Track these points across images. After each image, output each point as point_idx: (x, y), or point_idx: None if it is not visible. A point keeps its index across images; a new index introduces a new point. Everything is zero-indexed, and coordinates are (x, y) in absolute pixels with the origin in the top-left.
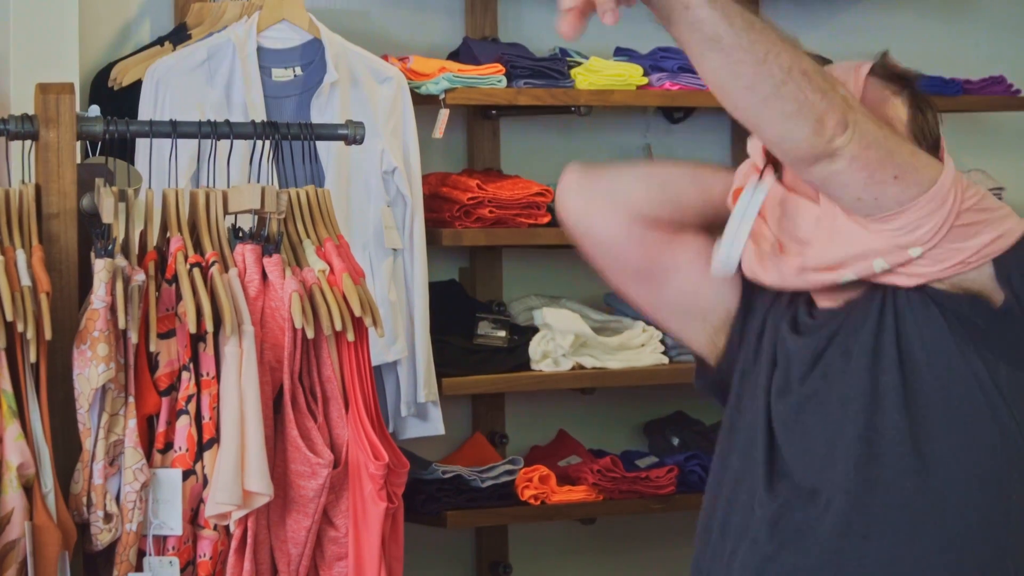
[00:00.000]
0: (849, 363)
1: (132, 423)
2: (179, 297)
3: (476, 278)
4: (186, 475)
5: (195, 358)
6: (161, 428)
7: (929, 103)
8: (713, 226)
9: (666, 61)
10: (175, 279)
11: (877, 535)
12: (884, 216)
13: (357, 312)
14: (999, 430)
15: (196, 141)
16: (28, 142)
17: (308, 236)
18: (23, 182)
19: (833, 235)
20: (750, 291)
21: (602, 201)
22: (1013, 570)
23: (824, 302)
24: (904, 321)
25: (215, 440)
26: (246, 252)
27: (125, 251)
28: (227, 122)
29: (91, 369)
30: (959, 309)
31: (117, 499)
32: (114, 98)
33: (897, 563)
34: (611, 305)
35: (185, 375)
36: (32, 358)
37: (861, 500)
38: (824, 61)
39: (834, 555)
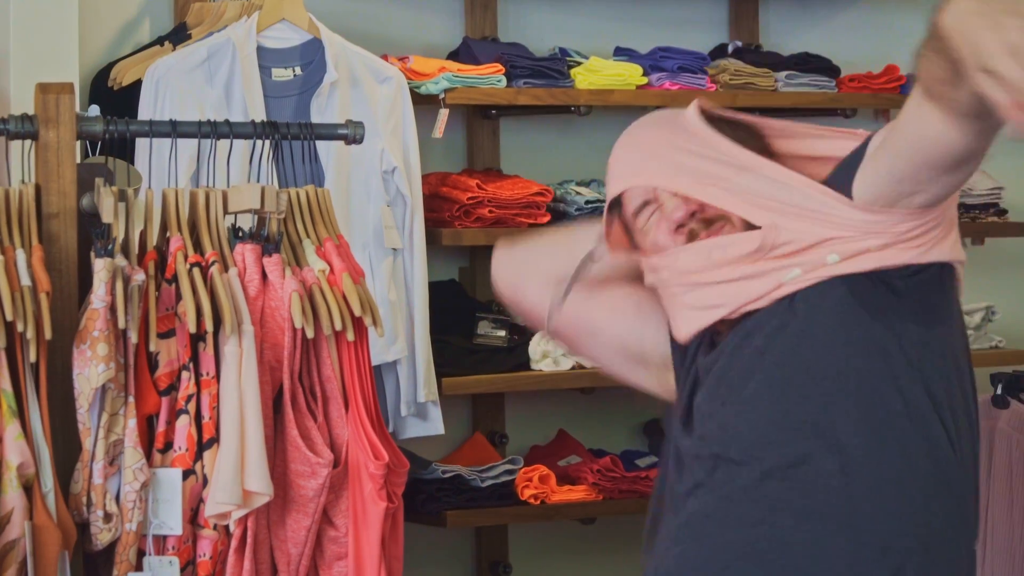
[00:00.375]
0: (743, 361)
1: (132, 423)
2: (179, 297)
3: (476, 278)
4: (186, 475)
5: (195, 358)
6: (161, 428)
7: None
8: (632, 273)
9: (666, 61)
10: (175, 279)
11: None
12: (901, 209)
13: (357, 312)
14: (900, 395)
15: (196, 141)
16: (28, 142)
17: (308, 236)
18: (23, 182)
19: (790, 230)
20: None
21: (523, 277)
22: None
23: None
24: (798, 316)
25: (215, 440)
26: (246, 252)
27: (125, 251)
28: (227, 122)
29: (91, 369)
30: (885, 275)
31: (117, 499)
32: (114, 98)
33: (796, 533)
34: None
35: (185, 375)
36: (32, 358)
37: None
38: (825, 62)
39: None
